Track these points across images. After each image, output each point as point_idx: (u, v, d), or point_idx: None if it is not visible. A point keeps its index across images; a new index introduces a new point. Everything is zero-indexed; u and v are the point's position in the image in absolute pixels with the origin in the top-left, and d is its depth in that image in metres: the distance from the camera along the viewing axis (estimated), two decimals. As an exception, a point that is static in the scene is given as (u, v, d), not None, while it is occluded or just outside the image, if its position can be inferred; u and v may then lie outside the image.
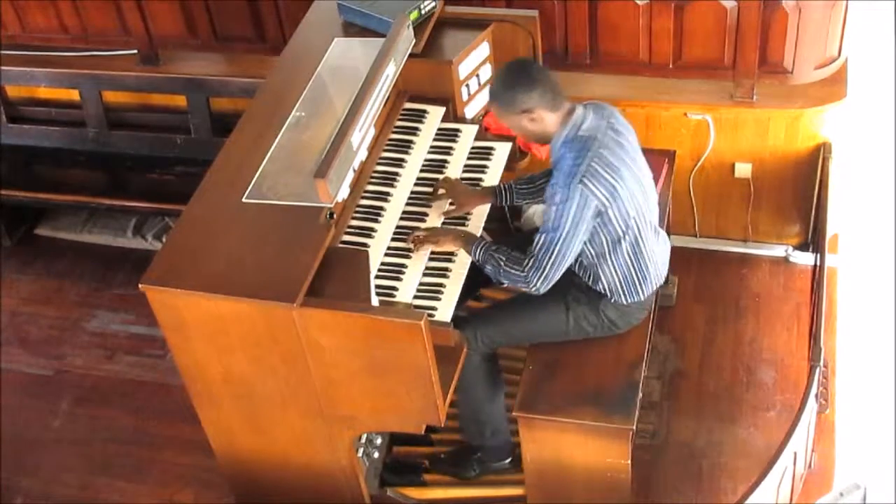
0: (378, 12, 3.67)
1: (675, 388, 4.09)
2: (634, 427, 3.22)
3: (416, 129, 3.68)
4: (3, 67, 4.73)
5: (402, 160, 3.58)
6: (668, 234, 3.99)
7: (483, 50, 3.79)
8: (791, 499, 3.49)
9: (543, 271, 3.16)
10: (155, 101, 4.73)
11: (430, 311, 3.19)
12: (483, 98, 3.82)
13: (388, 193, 3.47)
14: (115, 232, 5.08)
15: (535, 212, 4.51)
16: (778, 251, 4.52)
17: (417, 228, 3.42)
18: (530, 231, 3.98)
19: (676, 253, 4.39)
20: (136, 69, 4.65)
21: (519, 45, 3.83)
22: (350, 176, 3.27)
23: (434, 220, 3.48)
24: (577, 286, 3.37)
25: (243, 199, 3.17)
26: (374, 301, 3.05)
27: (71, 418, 4.32)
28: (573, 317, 3.39)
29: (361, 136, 3.17)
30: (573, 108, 3.20)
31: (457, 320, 3.27)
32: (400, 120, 3.70)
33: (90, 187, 4.77)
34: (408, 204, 3.49)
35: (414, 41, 3.53)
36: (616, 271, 3.29)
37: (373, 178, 3.52)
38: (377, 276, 3.25)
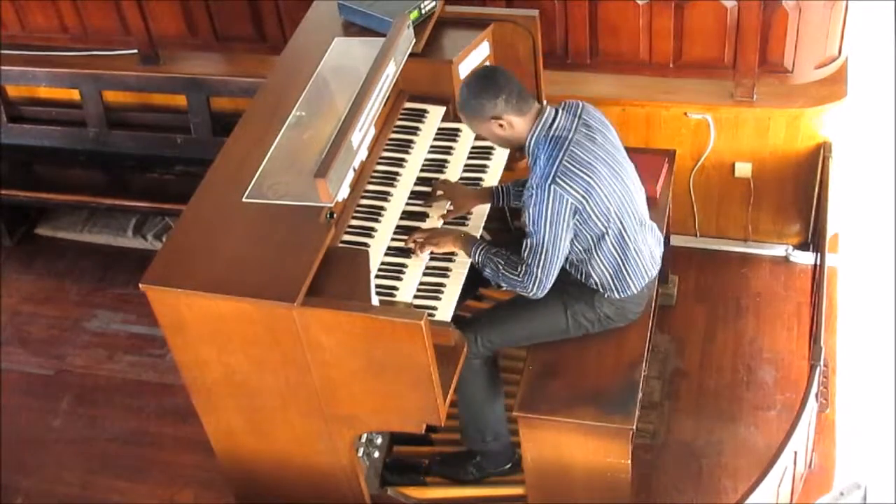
0: (378, 12, 3.67)
1: (676, 387, 4.08)
2: (634, 427, 3.22)
3: (417, 128, 3.68)
4: (4, 67, 4.73)
5: (403, 160, 3.58)
6: (668, 233, 4.00)
7: (483, 50, 3.79)
8: (791, 498, 3.48)
9: (536, 276, 3.17)
10: (155, 100, 4.73)
11: (430, 311, 3.19)
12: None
13: (388, 193, 3.47)
14: (115, 232, 5.08)
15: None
16: (778, 251, 4.52)
17: (418, 228, 3.42)
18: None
19: (677, 253, 4.42)
20: (136, 69, 4.65)
21: (519, 45, 3.82)
22: (350, 175, 3.26)
23: (434, 219, 3.48)
24: (571, 284, 3.37)
25: (243, 199, 3.17)
26: (375, 300, 3.05)
27: (71, 418, 4.32)
28: (571, 314, 3.39)
29: (361, 136, 3.17)
30: (542, 108, 3.21)
31: (457, 322, 3.27)
32: (400, 119, 3.70)
33: (90, 187, 4.76)
34: (408, 203, 3.49)
35: (414, 41, 3.52)
36: (605, 267, 3.29)
37: (373, 177, 3.52)
38: (377, 276, 3.26)
